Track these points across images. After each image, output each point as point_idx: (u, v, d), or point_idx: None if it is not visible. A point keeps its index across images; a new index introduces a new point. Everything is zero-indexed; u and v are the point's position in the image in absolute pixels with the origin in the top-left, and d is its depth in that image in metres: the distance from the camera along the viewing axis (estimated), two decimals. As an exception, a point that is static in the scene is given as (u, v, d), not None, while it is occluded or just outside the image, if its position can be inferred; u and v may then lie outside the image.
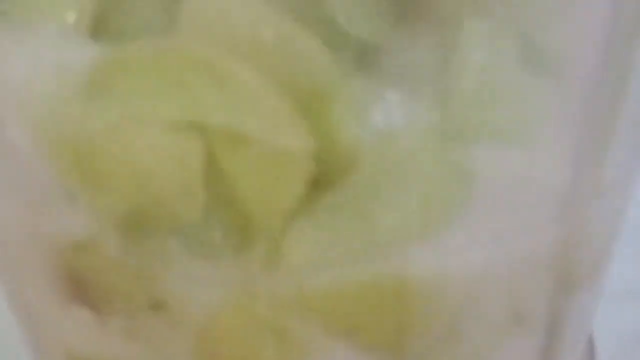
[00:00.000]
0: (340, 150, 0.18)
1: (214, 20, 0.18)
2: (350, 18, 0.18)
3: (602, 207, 0.22)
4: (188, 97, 0.18)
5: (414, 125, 0.18)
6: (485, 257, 0.20)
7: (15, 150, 0.20)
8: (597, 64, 0.19)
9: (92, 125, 0.18)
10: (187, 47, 0.18)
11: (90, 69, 0.18)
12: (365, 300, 0.20)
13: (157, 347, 0.21)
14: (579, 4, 0.19)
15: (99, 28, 0.19)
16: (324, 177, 0.18)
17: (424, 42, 0.18)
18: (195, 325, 0.20)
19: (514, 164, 0.19)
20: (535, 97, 0.19)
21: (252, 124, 0.18)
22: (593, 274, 0.23)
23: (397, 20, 0.18)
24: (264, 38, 0.18)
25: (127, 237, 0.20)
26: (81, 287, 0.21)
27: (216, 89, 0.18)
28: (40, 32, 0.19)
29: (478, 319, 0.21)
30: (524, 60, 0.19)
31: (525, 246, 0.20)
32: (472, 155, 0.19)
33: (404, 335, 0.21)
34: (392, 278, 0.20)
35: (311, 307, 0.20)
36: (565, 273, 0.21)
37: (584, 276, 0.23)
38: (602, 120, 0.20)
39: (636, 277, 0.35)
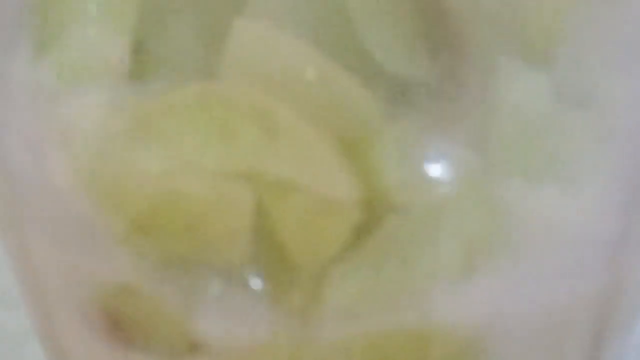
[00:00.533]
0: (381, 195, 0.18)
1: (256, 60, 0.18)
2: (389, 55, 0.18)
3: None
4: (238, 146, 0.18)
5: (455, 168, 0.19)
6: (525, 304, 0.20)
7: (59, 191, 0.20)
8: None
9: (141, 169, 0.18)
10: (234, 92, 0.18)
11: (137, 111, 0.18)
12: (403, 347, 0.20)
13: None
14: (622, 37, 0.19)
15: (139, 68, 0.19)
16: (365, 221, 0.18)
17: (458, 80, 0.18)
18: None
19: (557, 207, 0.19)
20: (575, 134, 0.19)
21: (302, 174, 0.18)
22: (628, 323, 0.23)
23: (431, 58, 0.18)
24: (307, 79, 0.18)
25: (167, 277, 0.20)
26: (119, 325, 0.21)
27: (267, 138, 0.18)
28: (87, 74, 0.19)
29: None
30: (562, 95, 0.19)
31: (567, 293, 0.20)
32: (513, 196, 0.19)
33: None
34: (431, 325, 0.20)
35: (349, 354, 0.20)
36: (603, 323, 0.21)
37: (621, 326, 0.22)
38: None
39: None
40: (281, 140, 0.18)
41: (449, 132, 0.18)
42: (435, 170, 0.18)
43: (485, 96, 0.18)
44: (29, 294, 0.24)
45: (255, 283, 0.19)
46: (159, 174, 0.18)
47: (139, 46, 0.19)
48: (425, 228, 0.19)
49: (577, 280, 0.20)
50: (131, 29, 0.19)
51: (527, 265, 0.19)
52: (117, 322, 0.21)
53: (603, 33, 0.19)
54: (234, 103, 0.18)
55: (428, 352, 0.20)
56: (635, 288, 0.22)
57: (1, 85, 0.20)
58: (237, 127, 0.18)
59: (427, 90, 0.18)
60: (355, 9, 0.18)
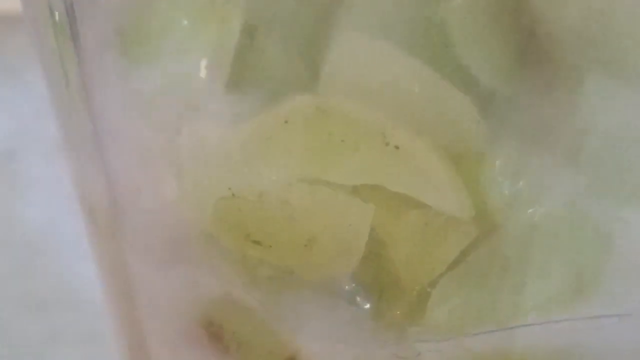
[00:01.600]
0: (488, 213, 0.18)
1: (361, 73, 0.18)
2: (486, 70, 0.18)
3: None
4: (360, 161, 0.18)
5: (559, 189, 0.18)
6: (625, 330, 0.20)
7: (167, 204, 0.20)
8: None
9: (259, 184, 0.18)
10: (351, 106, 0.18)
11: (252, 124, 0.18)
12: None
13: None
14: None
15: (236, 79, 0.19)
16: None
17: (550, 98, 0.18)
18: None
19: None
20: None
21: (420, 189, 0.18)
22: None
23: (524, 75, 0.18)
24: (416, 93, 0.18)
25: (273, 291, 0.20)
26: (217, 336, 0.21)
27: (387, 153, 0.18)
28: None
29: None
30: None
31: None
32: (613, 218, 0.19)
33: None
34: (532, 348, 0.20)
35: None
36: None
37: None
38: None
39: None
40: (401, 156, 0.18)
41: (547, 152, 0.18)
42: (541, 190, 0.18)
43: (576, 116, 0.18)
44: (118, 303, 0.24)
45: (360, 299, 0.19)
46: (278, 189, 0.18)
47: (237, 56, 0.19)
48: (533, 250, 0.19)
49: None
50: (230, 38, 0.19)
51: (628, 289, 0.19)
52: (216, 333, 0.21)
53: None
54: (353, 117, 0.18)
55: None
56: None
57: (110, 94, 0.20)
58: (358, 142, 0.18)
59: (521, 106, 0.18)
60: (453, 24, 0.18)
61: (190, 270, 0.20)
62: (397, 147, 0.18)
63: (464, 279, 0.19)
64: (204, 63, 0.19)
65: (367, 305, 0.19)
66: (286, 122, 0.18)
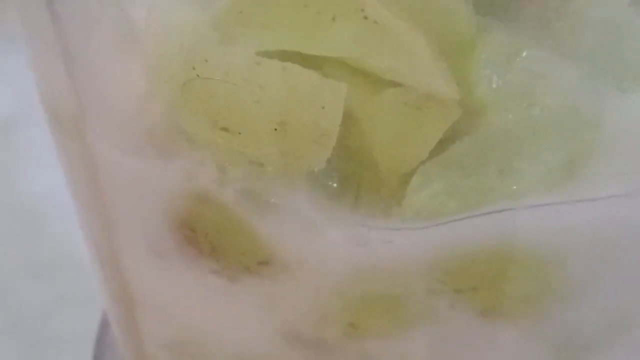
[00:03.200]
0: (475, 102, 0.18)
1: None
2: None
3: None
4: (336, 34, 0.17)
5: (551, 79, 0.18)
6: (615, 211, 0.19)
7: (136, 93, 0.19)
8: None
9: (229, 63, 0.17)
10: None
11: (225, 2, 0.17)
12: (482, 257, 0.19)
13: (264, 305, 0.21)
14: None
15: None
16: (457, 124, 0.18)
17: None
18: (307, 282, 0.20)
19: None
20: None
21: (401, 66, 0.17)
22: None
23: None
24: None
25: (244, 185, 0.19)
26: (189, 238, 0.21)
27: (366, 28, 0.17)
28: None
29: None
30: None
31: None
32: (605, 104, 0.18)
33: (532, 301, 0.20)
34: (515, 237, 0.19)
35: (427, 263, 0.19)
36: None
37: None
38: None
39: None
40: (380, 32, 0.17)
41: (539, 44, 0.18)
42: (531, 80, 0.18)
43: (568, 6, 0.18)
44: (88, 207, 0.23)
45: (338, 188, 0.19)
46: (244, 68, 0.17)
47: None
48: (522, 138, 0.18)
49: None
50: None
51: (620, 171, 0.19)
52: (189, 236, 0.20)
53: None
54: None
55: (508, 265, 0.20)
56: None
57: None
58: (334, 13, 0.17)
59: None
60: None
61: (160, 166, 0.20)
62: (376, 22, 0.17)
63: (447, 165, 0.18)
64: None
65: (348, 194, 0.19)
66: None
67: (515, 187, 0.18)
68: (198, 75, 0.18)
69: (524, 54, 0.18)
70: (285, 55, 0.17)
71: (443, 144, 0.18)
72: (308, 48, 0.17)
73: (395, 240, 0.19)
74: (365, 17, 0.17)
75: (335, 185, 0.19)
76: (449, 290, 0.20)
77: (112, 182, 0.21)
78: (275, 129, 0.18)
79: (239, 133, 0.18)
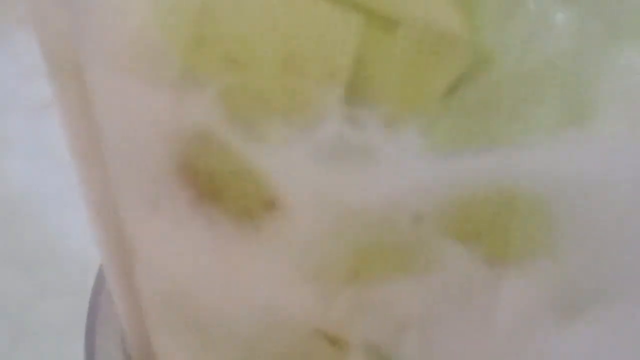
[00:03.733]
0: (484, 45, 0.17)
1: None
2: None
3: None
4: None
5: (563, 26, 0.18)
6: (617, 161, 0.19)
7: (144, 23, 0.18)
8: None
9: None
10: None
11: None
12: (485, 202, 0.19)
13: (266, 253, 0.21)
14: None
15: None
16: (470, 67, 0.18)
17: None
18: (311, 227, 0.20)
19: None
20: None
21: (414, 5, 0.17)
22: None
23: None
24: None
25: (249, 123, 0.18)
26: (191, 182, 0.20)
27: None
28: None
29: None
30: None
31: None
32: (614, 56, 0.18)
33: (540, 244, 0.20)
34: (518, 181, 0.19)
35: (431, 205, 0.19)
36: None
37: None
38: None
39: None
40: None
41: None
42: (545, 27, 0.18)
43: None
44: (86, 155, 0.22)
45: (347, 128, 0.18)
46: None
47: None
48: (528, 82, 0.18)
49: None
50: None
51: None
52: (189, 178, 0.20)
53: None
54: None
55: (513, 209, 0.19)
56: None
57: None
58: None
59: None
60: None
61: (163, 103, 0.19)
62: None
63: (454, 106, 0.18)
64: None
65: (357, 133, 0.18)
66: None
67: (521, 131, 0.18)
68: (204, 10, 0.17)
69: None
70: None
71: (452, 87, 0.18)
72: None
73: (398, 180, 0.19)
74: None
75: (346, 127, 0.18)
76: (453, 235, 0.20)
77: (111, 122, 0.21)
78: (285, 62, 0.17)
79: (248, 65, 0.18)
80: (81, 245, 0.39)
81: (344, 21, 0.17)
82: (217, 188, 0.20)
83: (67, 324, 0.38)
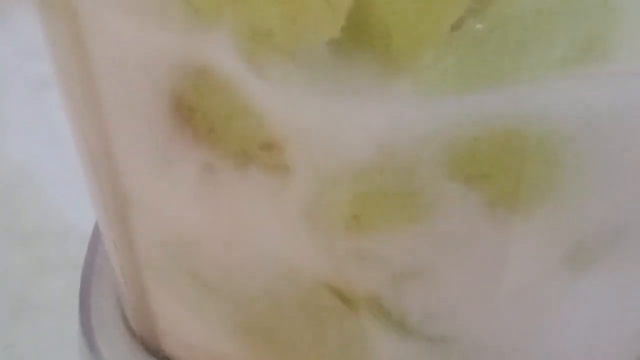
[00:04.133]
0: None
1: None
2: None
3: None
4: None
5: None
6: (630, 97, 0.18)
7: None
8: None
9: None
10: None
11: None
12: (495, 140, 0.19)
13: (263, 200, 0.20)
14: None
15: None
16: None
17: None
18: (310, 170, 0.19)
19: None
20: None
21: None
22: None
23: None
24: None
25: (248, 59, 0.18)
26: (187, 119, 0.19)
27: None
28: None
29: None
30: None
31: None
32: None
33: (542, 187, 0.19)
34: (528, 117, 0.18)
35: (436, 145, 0.18)
36: None
37: None
38: None
39: None
40: None
41: None
42: None
43: None
44: (80, 100, 0.22)
45: (348, 69, 0.17)
46: None
47: None
48: (536, 17, 0.17)
49: None
50: None
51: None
52: (184, 116, 0.19)
53: None
54: None
55: (520, 148, 0.19)
56: None
57: None
58: None
59: None
60: None
61: (158, 36, 0.19)
62: None
63: (461, 42, 0.17)
64: None
65: (358, 75, 0.17)
66: None
67: (530, 67, 0.18)
68: None
69: None
70: None
71: (458, 22, 0.17)
72: None
73: (404, 117, 0.18)
74: None
75: (347, 58, 0.18)
76: (459, 178, 0.19)
77: (105, 61, 0.20)
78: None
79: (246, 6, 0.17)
80: (80, 221, 0.39)
81: None
82: (215, 128, 0.19)
83: (66, 299, 0.38)
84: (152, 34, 0.19)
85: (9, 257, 0.40)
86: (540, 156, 0.19)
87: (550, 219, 0.20)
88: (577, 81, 0.18)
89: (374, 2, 0.17)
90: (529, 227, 0.20)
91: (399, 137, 0.18)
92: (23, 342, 0.38)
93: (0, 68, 0.48)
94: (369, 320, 0.22)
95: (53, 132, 0.43)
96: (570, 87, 0.18)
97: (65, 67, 0.22)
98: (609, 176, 0.20)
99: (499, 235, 0.20)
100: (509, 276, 0.21)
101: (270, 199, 0.20)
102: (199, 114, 0.19)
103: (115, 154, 0.22)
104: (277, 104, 0.18)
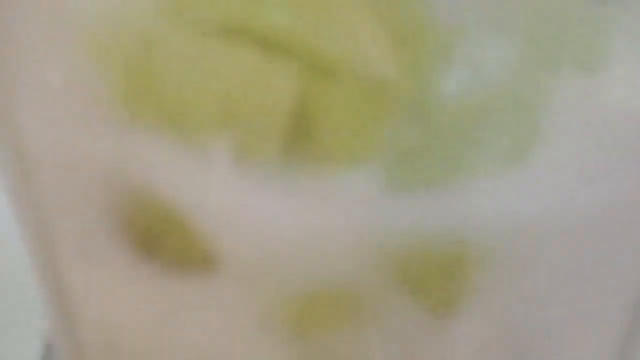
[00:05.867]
0: (425, 89, 0.17)
1: None
2: None
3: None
4: (291, 16, 0.17)
5: (498, 64, 0.18)
6: (564, 204, 0.19)
7: (82, 76, 0.18)
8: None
9: (174, 47, 0.17)
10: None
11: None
12: (431, 249, 0.19)
13: (204, 307, 0.20)
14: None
15: None
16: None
17: None
18: (253, 282, 0.19)
19: (594, 94, 0.18)
20: (606, 25, 0.18)
21: (354, 53, 0.17)
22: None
23: None
24: None
25: (185, 169, 0.18)
26: (127, 231, 0.20)
27: (310, 10, 0.17)
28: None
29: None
30: None
31: (614, 190, 0.19)
32: (549, 88, 0.18)
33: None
34: (465, 225, 0.19)
35: (372, 253, 0.19)
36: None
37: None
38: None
39: None
40: (328, 14, 0.17)
41: (481, 25, 0.18)
42: (479, 67, 0.18)
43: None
44: (24, 212, 0.22)
45: (288, 179, 0.18)
46: (194, 51, 0.17)
47: None
48: (471, 124, 0.18)
49: (621, 180, 0.19)
50: None
51: (566, 158, 0.19)
52: (127, 229, 0.20)
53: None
54: None
55: (456, 258, 0.19)
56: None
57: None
58: None
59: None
60: None
61: (103, 147, 0.19)
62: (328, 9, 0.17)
63: (394, 150, 0.18)
64: None
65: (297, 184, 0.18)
66: None
67: (463, 174, 0.18)
68: (143, 61, 0.17)
69: (468, 39, 0.18)
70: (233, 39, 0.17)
71: (390, 132, 0.18)
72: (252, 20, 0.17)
73: (341, 224, 0.19)
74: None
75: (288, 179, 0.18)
76: (397, 284, 0.19)
77: (45, 165, 0.20)
78: (222, 115, 0.17)
79: (183, 115, 0.18)
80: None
81: (282, 71, 0.17)
82: (155, 241, 0.20)
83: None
84: (93, 144, 0.19)
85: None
86: (475, 260, 0.19)
87: (490, 319, 0.20)
88: (506, 185, 0.18)
89: (313, 121, 0.17)
90: (470, 328, 0.20)
91: (337, 244, 0.19)
92: None
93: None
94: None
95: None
96: (501, 192, 0.18)
97: (8, 177, 0.22)
98: (541, 278, 0.20)
99: (442, 338, 0.20)
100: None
101: (208, 308, 0.20)
102: (139, 228, 0.20)
103: (58, 266, 0.22)
104: (214, 221, 0.19)
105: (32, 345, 0.33)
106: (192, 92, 0.17)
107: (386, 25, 0.17)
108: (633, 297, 0.21)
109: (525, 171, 0.18)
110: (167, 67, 0.17)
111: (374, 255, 0.19)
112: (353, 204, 0.18)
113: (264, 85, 0.17)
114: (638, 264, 0.21)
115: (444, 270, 0.19)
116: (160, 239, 0.20)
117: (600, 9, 0.18)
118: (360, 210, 0.18)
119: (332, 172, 0.18)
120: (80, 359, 0.24)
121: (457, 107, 0.18)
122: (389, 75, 0.17)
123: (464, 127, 0.18)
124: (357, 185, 0.18)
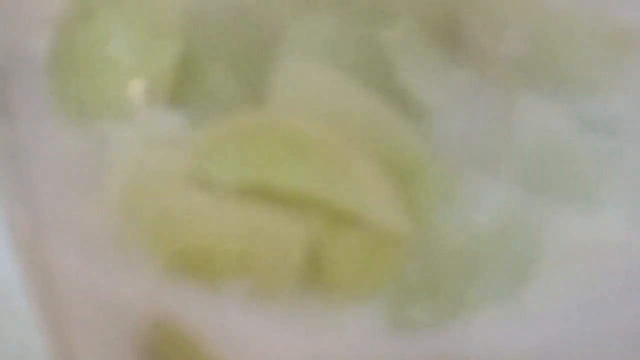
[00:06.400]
0: (425, 230, 0.18)
1: (304, 97, 0.18)
2: (424, 88, 0.19)
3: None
4: (306, 173, 0.18)
5: (495, 201, 0.19)
6: (556, 333, 0.20)
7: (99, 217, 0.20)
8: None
9: (196, 198, 0.18)
10: (292, 123, 0.18)
11: (192, 139, 0.19)
12: None
13: None
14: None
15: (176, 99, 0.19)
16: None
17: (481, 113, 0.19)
18: None
19: (585, 230, 0.19)
20: (599, 160, 0.19)
21: (362, 204, 0.18)
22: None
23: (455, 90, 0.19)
24: (354, 115, 0.18)
25: (208, 312, 0.19)
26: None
27: (334, 169, 0.18)
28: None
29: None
30: (582, 124, 0.19)
31: (602, 321, 0.20)
32: (546, 222, 0.19)
33: None
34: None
35: None
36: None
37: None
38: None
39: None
40: (337, 170, 0.18)
41: (480, 166, 0.19)
42: (476, 205, 0.19)
43: (506, 128, 0.19)
44: (46, 317, 0.23)
45: (299, 318, 0.19)
46: (214, 201, 0.18)
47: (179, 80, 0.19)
48: (468, 262, 0.19)
49: (609, 307, 0.20)
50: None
51: (559, 290, 0.19)
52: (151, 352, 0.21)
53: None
54: (290, 132, 0.18)
55: None
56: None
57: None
58: (305, 151, 0.18)
59: (455, 123, 0.19)
60: (389, 46, 0.19)
61: (126, 285, 0.20)
62: (329, 162, 0.18)
63: (396, 288, 0.19)
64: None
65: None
66: (238, 132, 0.18)
67: (464, 310, 0.19)
68: (169, 214, 0.19)
69: (466, 177, 0.19)
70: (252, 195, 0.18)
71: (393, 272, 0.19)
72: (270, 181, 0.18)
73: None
74: (334, 159, 0.18)
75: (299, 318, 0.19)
76: None
77: (71, 290, 0.21)
78: (237, 263, 0.19)
79: (200, 266, 0.19)
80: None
81: (295, 222, 0.18)
82: None
83: None
84: (119, 287, 0.20)
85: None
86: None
87: None
88: (507, 319, 0.19)
89: (319, 264, 0.18)
90: None
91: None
92: None
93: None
94: None
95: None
96: (499, 326, 0.19)
97: (34, 297, 0.23)
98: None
99: None
100: None
101: None
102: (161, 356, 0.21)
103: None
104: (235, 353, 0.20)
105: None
106: (212, 242, 0.19)
107: (388, 167, 0.18)
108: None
109: (525, 303, 0.19)
110: (189, 221, 0.19)
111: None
112: (359, 338, 0.19)
113: (278, 236, 0.18)
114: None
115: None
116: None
117: (594, 143, 0.19)
118: (365, 345, 0.19)
119: (340, 308, 0.19)
120: None
121: (458, 244, 0.19)
122: (396, 225, 0.18)
123: (464, 264, 0.19)
124: (363, 320, 0.19)
